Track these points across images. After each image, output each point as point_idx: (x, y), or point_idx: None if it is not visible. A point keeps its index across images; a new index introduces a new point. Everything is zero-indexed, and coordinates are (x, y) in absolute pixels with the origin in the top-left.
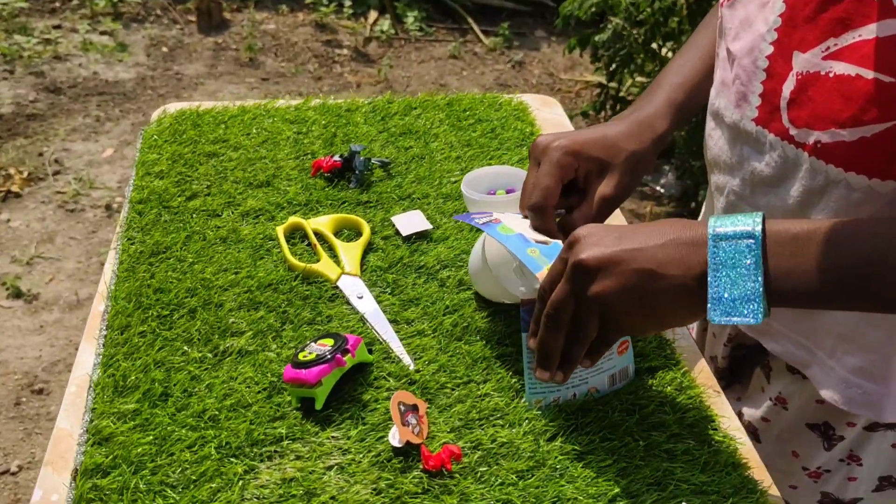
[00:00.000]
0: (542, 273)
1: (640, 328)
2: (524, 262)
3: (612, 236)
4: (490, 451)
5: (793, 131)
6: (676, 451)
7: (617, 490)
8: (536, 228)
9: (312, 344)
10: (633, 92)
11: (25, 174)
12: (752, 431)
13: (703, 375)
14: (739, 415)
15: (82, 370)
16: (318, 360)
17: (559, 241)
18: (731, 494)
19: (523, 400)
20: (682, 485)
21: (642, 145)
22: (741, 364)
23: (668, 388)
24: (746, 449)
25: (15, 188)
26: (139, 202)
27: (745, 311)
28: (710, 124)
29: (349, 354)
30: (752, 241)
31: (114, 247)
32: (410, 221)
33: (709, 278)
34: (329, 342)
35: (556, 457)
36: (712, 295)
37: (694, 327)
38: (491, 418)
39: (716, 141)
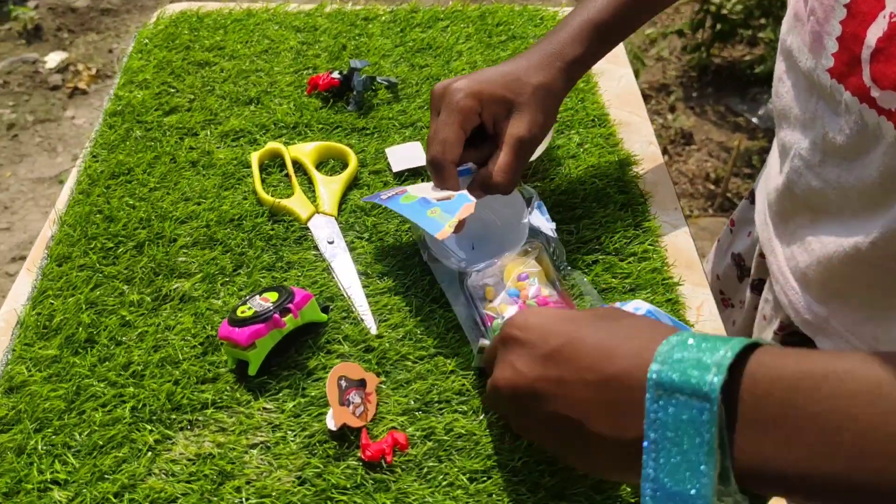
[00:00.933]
0: (443, 231)
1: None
2: (423, 227)
3: (540, 351)
4: (443, 444)
5: (875, 92)
6: None
7: None
8: (439, 187)
9: (256, 297)
10: (735, 10)
11: (94, 71)
12: None
13: None
14: None
15: (14, 304)
16: (254, 318)
17: (464, 192)
18: None
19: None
20: None
21: (549, 76)
22: None
23: None
24: None
25: (82, 85)
26: (113, 114)
27: None
28: (780, 65)
29: (290, 315)
30: (704, 404)
31: (78, 165)
32: (406, 155)
33: (644, 453)
34: (273, 297)
35: (520, 458)
36: (647, 475)
37: (746, 300)
38: (452, 402)
39: (787, 88)
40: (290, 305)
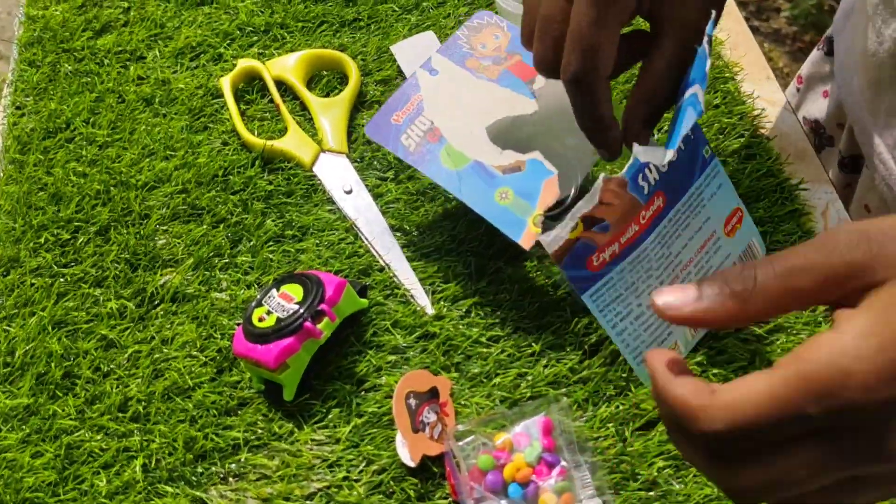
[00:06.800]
0: (526, 236)
1: None
2: (496, 225)
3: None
4: None
5: None
6: None
7: None
8: (581, 118)
9: (273, 293)
10: None
11: None
12: None
13: None
14: None
15: None
16: (280, 330)
17: (535, 157)
18: None
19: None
20: None
21: None
22: None
23: (801, 333)
24: None
25: None
26: (29, 44)
27: None
28: None
29: (326, 318)
30: None
31: (1, 121)
32: (420, 53)
33: None
34: (296, 292)
35: (653, 463)
36: None
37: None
38: (549, 396)
39: None
40: (323, 306)
